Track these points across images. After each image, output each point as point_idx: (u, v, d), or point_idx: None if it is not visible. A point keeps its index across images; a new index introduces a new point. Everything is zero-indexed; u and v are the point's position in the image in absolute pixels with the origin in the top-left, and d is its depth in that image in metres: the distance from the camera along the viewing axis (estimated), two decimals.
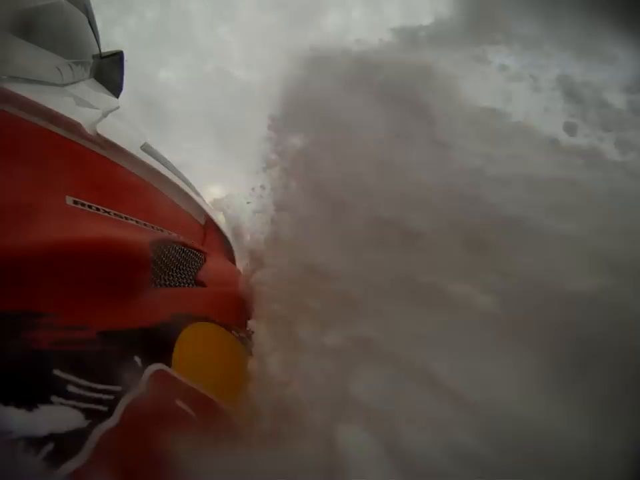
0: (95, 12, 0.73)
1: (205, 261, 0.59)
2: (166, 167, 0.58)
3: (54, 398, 0.24)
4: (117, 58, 0.80)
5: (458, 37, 0.42)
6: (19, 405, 0.22)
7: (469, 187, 0.32)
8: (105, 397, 0.26)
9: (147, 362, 0.31)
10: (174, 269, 0.48)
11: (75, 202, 0.39)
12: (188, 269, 0.52)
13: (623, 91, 0.36)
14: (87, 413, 0.24)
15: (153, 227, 0.51)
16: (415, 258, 0.31)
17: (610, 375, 0.23)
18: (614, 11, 0.34)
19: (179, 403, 0.32)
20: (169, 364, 0.34)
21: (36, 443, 0.21)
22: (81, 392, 0.25)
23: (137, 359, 0.31)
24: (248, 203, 0.52)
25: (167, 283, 0.45)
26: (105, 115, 0.51)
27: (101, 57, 0.74)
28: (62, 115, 0.40)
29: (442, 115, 0.36)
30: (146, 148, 0.55)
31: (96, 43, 0.74)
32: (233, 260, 0.88)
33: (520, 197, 0.31)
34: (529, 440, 0.22)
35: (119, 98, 0.80)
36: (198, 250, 0.58)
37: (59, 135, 0.40)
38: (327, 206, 0.38)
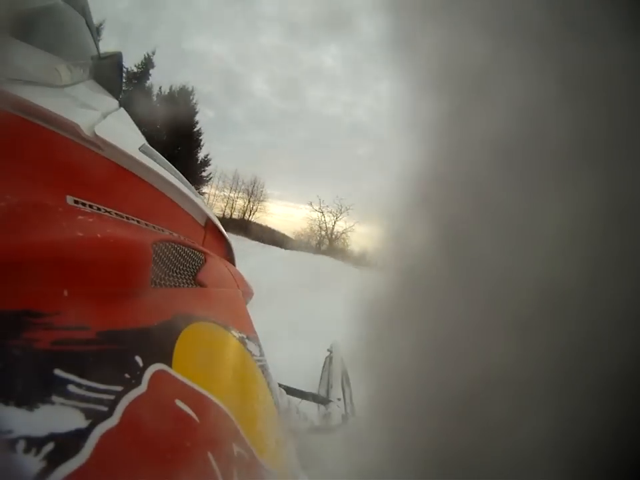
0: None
1: (206, 261, 0.59)
2: (165, 168, 0.58)
3: (54, 398, 0.23)
4: (115, 59, 0.80)
5: None
6: (19, 405, 0.22)
7: None
8: (106, 396, 0.26)
9: (148, 362, 0.31)
10: (174, 269, 0.48)
11: (76, 202, 0.39)
12: (188, 269, 0.52)
13: None
14: (88, 412, 0.24)
15: (154, 227, 0.51)
16: None
17: None
18: None
19: (179, 402, 0.32)
20: (169, 364, 0.34)
21: (36, 442, 0.21)
22: (82, 392, 0.25)
23: (138, 359, 0.31)
24: None
25: (168, 283, 0.45)
26: (103, 117, 0.51)
27: (100, 58, 0.74)
28: (60, 117, 0.40)
29: None
30: (145, 149, 0.55)
31: (94, 44, 0.74)
32: (232, 261, 0.89)
33: None
34: None
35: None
36: (198, 250, 0.58)
37: (59, 134, 0.40)
38: None
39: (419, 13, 0.37)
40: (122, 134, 0.52)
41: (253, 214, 19.38)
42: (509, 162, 0.31)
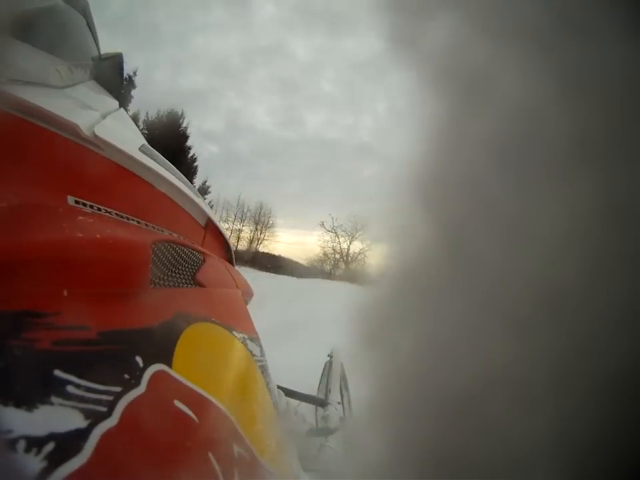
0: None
1: (204, 261, 0.59)
2: (165, 168, 0.58)
3: (55, 398, 0.24)
4: (116, 60, 0.80)
5: None
6: (19, 405, 0.22)
7: None
8: (105, 397, 0.26)
9: (148, 362, 0.31)
10: (173, 269, 0.48)
11: (77, 202, 0.39)
12: (188, 269, 0.52)
13: None
14: (87, 413, 0.24)
15: (153, 227, 0.51)
16: None
17: None
18: None
19: (179, 403, 0.32)
20: (169, 364, 0.34)
21: (36, 442, 0.21)
22: (81, 392, 0.25)
23: (138, 359, 0.31)
24: None
25: (167, 283, 0.45)
26: (103, 117, 0.51)
27: (100, 58, 0.74)
28: (60, 117, 0.40)
29: None
30: (145, 149, 0.55)
31: (95, 45, 0.74)
32: (232, 261, 0.89)
33: None
34: None
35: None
36: (197, 250, 0.58)
37: (60, 135, 0.40)
38: None
39: (418, 13, 0.37)
40: (122, 134, 0.52)
41: (261, 242, 17.75)
42: (507, 162, 0.31)
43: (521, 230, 0.29)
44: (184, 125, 13.71)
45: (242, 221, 17.76)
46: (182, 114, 13.67)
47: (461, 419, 0.27)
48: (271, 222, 18.14)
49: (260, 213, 17.85)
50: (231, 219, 17.45)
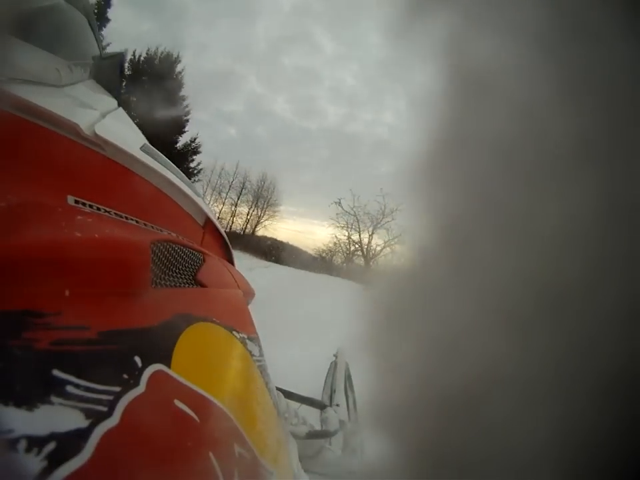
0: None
1: (205, 261, 0.59)
2: (166, 167, 0.58)
3: (54, 398, 0.24)
4: (117, 59, 0.81)
5: None
6: (19, 405, 0.22)
7: None
8: (105, 397, 0.26)
9: (147, 362, 0.31)
10: (174, 269, 0.48)
11: (76, 202, 0.39)
12: (188, 269, 0.52)
13: None
14: (87, 413, 0.24)
15: (153, 227, 0.51)
16: None
17: None
18: None
19: (178, 403, 0.32)
20: (168, 364, 0.34)
21: (37, 442, 0.21)
22: (80, 392, 0.25)
23: (137, 359, 0.31)
24: None
25: (167, 283, 0.45)
26: (103, 116, 0.51)
27: (101, 58, 0.74)
28: (60, 117, 0.40)
29: None
30: (146, 149, 0.55)
31: (96, 44, 0.74)
32: (231, 261, 0.89)
33: None
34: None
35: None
36: (197, 250, 0.58)
37: (60, 134, 0.40)
38: None
39: (419, 10, 0.37)
40: (123, 133, 0.52)
41: (261, 223, 14.74)
42: (508, 162, 0.31)
43: (522, 230, 0.29)
44: (178, 69, 11.31)
45: (239, 195, 14.56)
46: (178, 57, 11.44)
47: (460, 419, 0.27)
48: (274, 199, 14.90)
49: (262, 186, 14.61)
50: (225, 189, 14.42)
